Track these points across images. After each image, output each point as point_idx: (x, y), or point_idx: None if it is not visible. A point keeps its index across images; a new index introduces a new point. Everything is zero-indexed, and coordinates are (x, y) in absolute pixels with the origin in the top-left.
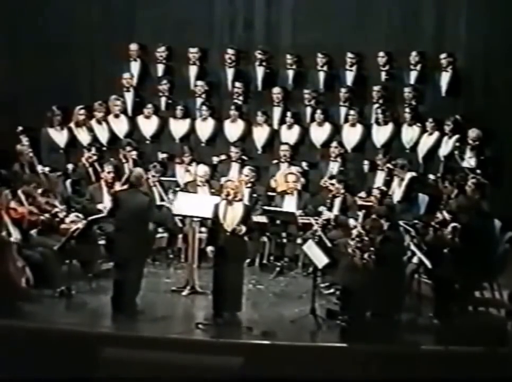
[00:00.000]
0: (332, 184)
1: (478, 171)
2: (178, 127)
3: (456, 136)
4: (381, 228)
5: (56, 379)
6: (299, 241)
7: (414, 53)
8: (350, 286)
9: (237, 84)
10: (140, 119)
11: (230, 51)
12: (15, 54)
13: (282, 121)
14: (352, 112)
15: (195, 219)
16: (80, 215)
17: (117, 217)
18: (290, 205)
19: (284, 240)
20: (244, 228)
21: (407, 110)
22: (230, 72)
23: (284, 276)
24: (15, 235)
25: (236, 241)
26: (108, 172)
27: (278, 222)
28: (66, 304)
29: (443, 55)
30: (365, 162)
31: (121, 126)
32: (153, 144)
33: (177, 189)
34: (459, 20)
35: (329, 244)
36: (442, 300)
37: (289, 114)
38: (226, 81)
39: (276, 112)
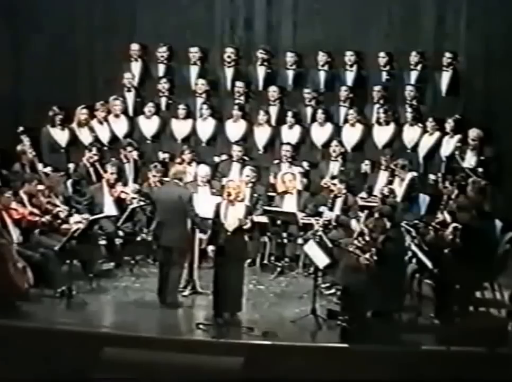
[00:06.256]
0: (334, 184)
1: (479, 171)
2: (180, 127)
3: (457, 136)
4: (384, 228)
5: (56, 379)
6: (299, 241)
7: (414, 53)
8: (351, 286)
9: (238, 84)
10: (141, 119)
11: (230, 50)
12: (16, 55)
13: (279, 120)
14: (351, 111)
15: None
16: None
17: (159, 210)
18: (290, 204)
19: (285, 240)
20: (249, 222)
21: (408, 110)
22: (230, 72)
23: (284, 276)
24: (16, 236)
25: (236, 241)
26: (111, 173)
27: (279, 222)
28: (66, 304)
29: (445, 56)
30: (366, 162)
31: (121, 126)
32: (154, 144)
33: None
34: (459, 20)
35: (330, 244)
36: (443, 300)
37: (290, 114)
38: (226, 81)
39: (273, 110)
